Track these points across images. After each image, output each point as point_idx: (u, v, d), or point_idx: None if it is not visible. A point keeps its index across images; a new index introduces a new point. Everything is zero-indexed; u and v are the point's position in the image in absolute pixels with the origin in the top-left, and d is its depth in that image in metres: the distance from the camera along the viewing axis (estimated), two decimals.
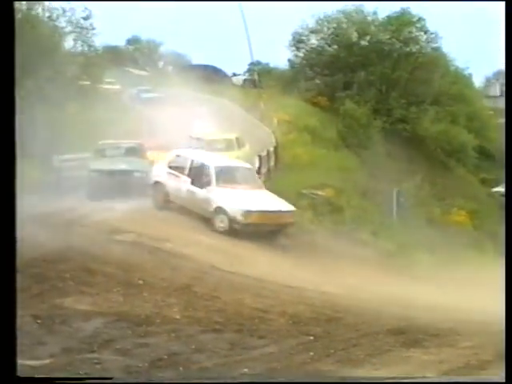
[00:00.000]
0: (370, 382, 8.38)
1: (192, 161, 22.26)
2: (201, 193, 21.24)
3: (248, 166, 23.69)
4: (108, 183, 23.00)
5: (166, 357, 8.70)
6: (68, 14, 37.76)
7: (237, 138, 30.44)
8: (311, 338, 10.47)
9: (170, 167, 22.57)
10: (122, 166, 24.24)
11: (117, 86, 50.77)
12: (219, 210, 20.53)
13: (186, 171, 21.98)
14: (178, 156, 23.01)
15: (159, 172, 22.81)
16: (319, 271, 17.76)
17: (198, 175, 21.82)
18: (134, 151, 26.16)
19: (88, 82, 37.17)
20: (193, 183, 21.62)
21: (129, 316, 10.45)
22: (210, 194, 20.98)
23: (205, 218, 20.65)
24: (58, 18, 37.57)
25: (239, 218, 20.18)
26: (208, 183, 21.24)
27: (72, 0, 37.55)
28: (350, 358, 9.40)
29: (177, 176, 22.05)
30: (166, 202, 22.05)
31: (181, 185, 21.88)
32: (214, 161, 22.49)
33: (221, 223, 20.34)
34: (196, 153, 23.67)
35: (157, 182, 22.58)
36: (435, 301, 16.66)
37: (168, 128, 30.22)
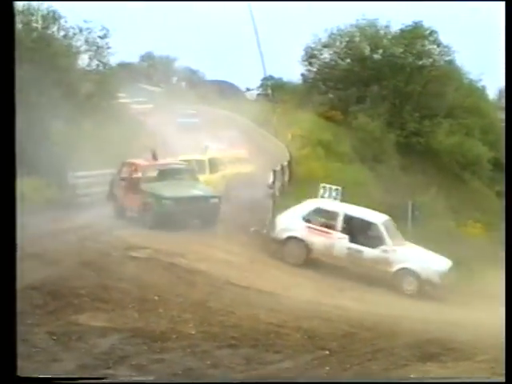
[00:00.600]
0: (369, 382, 8.36)
1: (345, 215, 20.44)
2: (371, 252, 19.64)
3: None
4: (182, 211, 21.12)
5: (180, 372, 8.70)
6: (84, 33, 38.05)
7: (210, 160, 28.14)
8: (327, 352, 10.43)
9: (308, 220, 20.75)
10: (198, 192, 22.52)
11: (149, 106, 50.82)
12: (406, 272, 19.24)
13: (339, 227, 20.20)
14: (318, 208, 21.14)
15: (292, 225, 20.66)
16: (335, 286, 17.72)
17: (357, 232, 20.23)
18: (186, 173, 24.27)
19: (102, 100, 37.36)
20: (352, 241, 19.97)
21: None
22: (387, 254, 19.54)
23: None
24: (74, 36, 37.83)
25: (435, 280, 19.18)
26: (378, 241, 19.70)
27: (73, 0, 37.63)
28: (365, 372, 9.35)
29: (325, 232, 20.29)
30: (307, 259, 20.17)
31: (333, 242, 20.07)
32: (378, 217, 20.87)
33: (409, 286, 19.06)
34: (343, 206, 21.38)
35: (291, 238, 20.39)
36: (451, 314, 16.62)
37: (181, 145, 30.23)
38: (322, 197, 21.92)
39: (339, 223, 20.19)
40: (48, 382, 5.88)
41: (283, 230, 20.60)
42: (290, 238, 20.35)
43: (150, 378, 8.35)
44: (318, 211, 20.94)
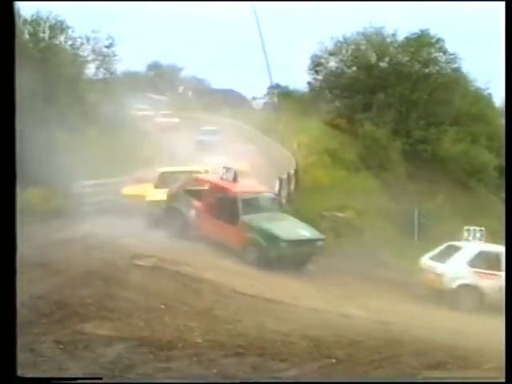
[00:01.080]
0: (370, 381, 8.35)
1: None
2: None
3: None
4: (294, 254, 19.63)
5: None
6: (91, 42, 38.26)
7: (162, 174, 24.75)
8: (333, 360, 10.42)
9: (473, 265, 20.07)
10: (307, 234, 20.54)
11: (175, 119, 50.93)
12: None
13: (502, 267, 17.75)
14: (481, 252, 20.42)
15: (461, 273, 20.08)
16: (341, 294, 17.70)
17: None
18: (273, 203, 22.49)
19: (109, 108, 37.49)
20: None
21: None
22: None
23: None
24: (81, 45, 38.06)
25: None
26: None
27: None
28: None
29: (493, 275, 19.34)
30: (482, 305, 19.28)
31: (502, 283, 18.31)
32: None
33: None
34: (500, 247, 19.15)
35: (464, 285, 19.81)
36: (459, 322, 16.60)
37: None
38: (467, 240, 21.64)
39: (502, 264, 18.72)
40: (47, 382, 5.90)
41: (453, 278, 19.99)
42: (461, 286, 19.84)
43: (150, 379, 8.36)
44: (481, 254, 20.45)
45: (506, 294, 6.75)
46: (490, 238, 21.38)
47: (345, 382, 8.29)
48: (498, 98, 57.73)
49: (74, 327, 10.59)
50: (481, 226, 22.11)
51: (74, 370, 8.48)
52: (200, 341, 10.67)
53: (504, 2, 5.43)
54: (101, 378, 7.36)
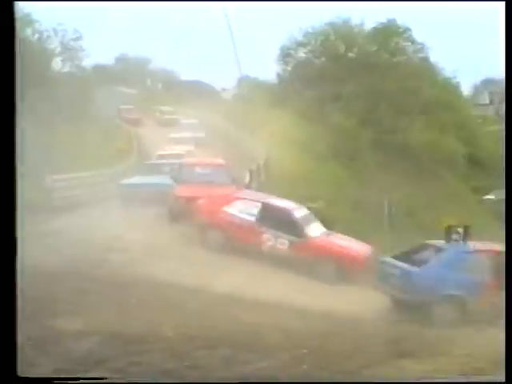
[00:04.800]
0: (369, 382, 8.42)
1: None
2: None
3: None
4: None
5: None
6: (59, 35, 37.93)
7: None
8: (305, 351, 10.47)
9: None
10: None
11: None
12: None
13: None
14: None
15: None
16: (311, 285, 17.79)
17: None
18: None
19: (78, 102, 37.28)
20: None
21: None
22: None
23: None
24: (47, 39, 37.75)
25: None
26: None
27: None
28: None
29: None
30: None
31: None
32: None
33: None
34: None
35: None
36: None
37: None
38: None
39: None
40: (48, 381, 5.90)
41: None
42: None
43: (150, 379, 8.37)
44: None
45: (505, 295, 6.82)
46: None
47: (345, 382, 8.34)
48: (466, 87, 58.28)
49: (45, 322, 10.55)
50: (451, 215, 22.20)
51: (44, 365, 8.46)
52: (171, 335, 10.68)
53: (504, 2, 5.49)
54: (105, 378, 7.34)
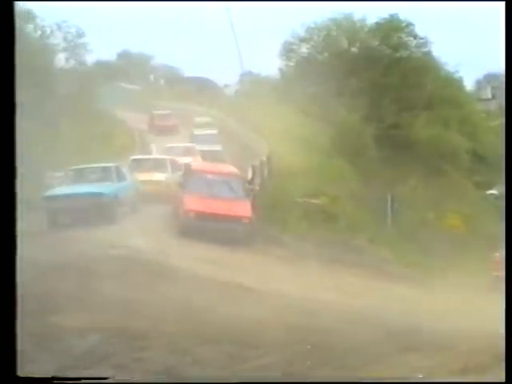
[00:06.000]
0: (369, 381, 8.38)
1: None
2: None
3: None
4: None
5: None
6: (62, 31, 37.88)
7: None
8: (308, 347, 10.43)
9: None
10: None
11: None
12: None
13: None
14: None
15: None
16: (315, 280, 17.75)
17: None
18: None
19: (81, 99, 37.21)
20: None
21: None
22: None
23: None
24: (51, 35, 37.68)
25: None
26: None
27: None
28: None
29: None
30: None
31: None
32: None
33: None
34: None
35: None
36: (432, 306, 16.71)
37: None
38: None
39: None
40: (48, 381, 5.87)
41: None
42: None
43: (150, 379, 8.34)
44: None
45: (505, 293, 6.79)
46: (463, 220, 21.56)
47: (345, 382, 8.31)
48: (469, 82, 58.10)
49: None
50: (454, 210, 22.22)
51: (46, 362, 8.45)
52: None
53: (504, 2, 5.45)
54: (105, 378, 7.30)
